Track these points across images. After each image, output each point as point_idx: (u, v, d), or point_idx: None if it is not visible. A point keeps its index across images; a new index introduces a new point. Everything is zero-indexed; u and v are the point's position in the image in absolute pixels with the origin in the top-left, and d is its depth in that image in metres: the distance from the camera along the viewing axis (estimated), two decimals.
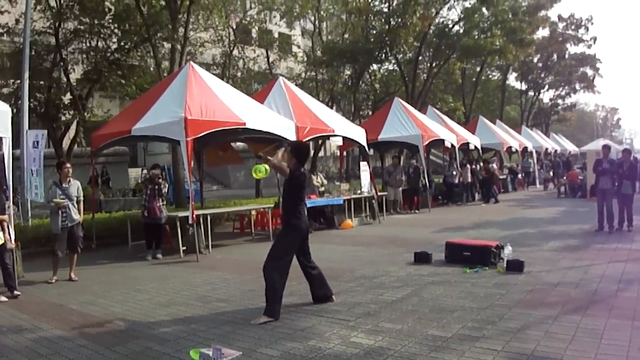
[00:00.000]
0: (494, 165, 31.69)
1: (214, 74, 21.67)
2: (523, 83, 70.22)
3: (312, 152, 35.54)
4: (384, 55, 38.72)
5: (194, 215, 15.05)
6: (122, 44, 26.87)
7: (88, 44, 27.40)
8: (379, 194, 23.88)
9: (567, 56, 68.52)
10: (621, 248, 14.62)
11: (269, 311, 8.73)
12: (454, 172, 30.61)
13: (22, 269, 13.02)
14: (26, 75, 18.49)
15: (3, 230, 11.27)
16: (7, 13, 24.93)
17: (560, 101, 78.72)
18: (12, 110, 12.87)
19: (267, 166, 8.86)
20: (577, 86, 74.95)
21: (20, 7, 23.27)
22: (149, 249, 15.89)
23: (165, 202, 16.22)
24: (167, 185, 16.50)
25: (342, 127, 21.33)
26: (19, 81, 20.98)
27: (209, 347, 6.82)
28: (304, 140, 19.16)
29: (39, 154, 17.36)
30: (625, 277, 11.04)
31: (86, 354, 7.46)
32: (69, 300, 10.72)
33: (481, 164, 33.54)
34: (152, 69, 30.28)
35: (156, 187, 15.85)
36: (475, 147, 35.64)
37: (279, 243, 9.17)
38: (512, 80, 70.37)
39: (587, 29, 63.43)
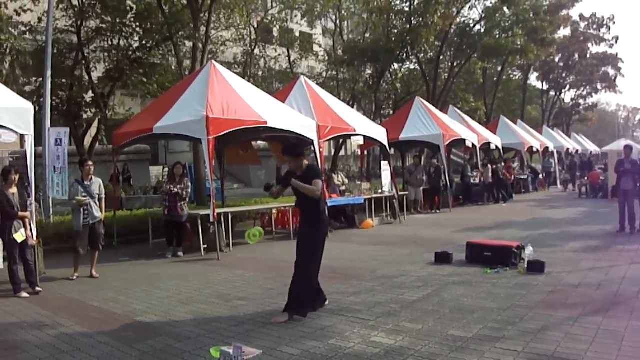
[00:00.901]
0: (500, 166, 31.46)
1: (235, 73, 21.67)
2: (544, 83, 69.99)
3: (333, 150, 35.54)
4: (405, 54, 38.65)
5: (215, 214, 15.06)
6: (144, 42, 26.97)
7: (110, 43, 27.52)
8: (400, 193, 23.84)
9: (588, 56, 68.31)
10: None
11: (302, 312, 8.70)
12: (473, 172, 30.56)
13: (43, 266, 13.08)
14: (48, 73, 18.57)
15: (25, 227, 11.33)
16: (30, 12, 25.04)
17: (581, 101, 78.54)
18: (35, 108, 12.91)
19: (260, 230, 8.81)
20: (599, 86, 74.67)
21: (42, 6, 23.41)
22: (169, 246, 15.89)
23: (187, 200, 16.19)
24: (189, 185, 16.47)
25: (363, 126, 21.31)
26: (41, 79, 21.10)
27: (229, 345, 6.81)
28: (325, 139, 19.20)
29: (63, 152, 17.46)
30: None
31: (107, 350, 7.48)
32: (90, 297, 10.77)
33: (502, 163, 33.40)
34: (173, 67, 30.38)
35: (178, 187, 15.86)
36: (497, 147, 35.53)
37: (308, 242, 9.00)
38: (534, 79, 70.33)
39: (609, 28, 63.22)
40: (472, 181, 31.10)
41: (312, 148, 18.88)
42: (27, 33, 25.66)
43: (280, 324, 8.42)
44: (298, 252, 8.94)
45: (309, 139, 18.39)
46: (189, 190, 16.16)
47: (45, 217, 17.73)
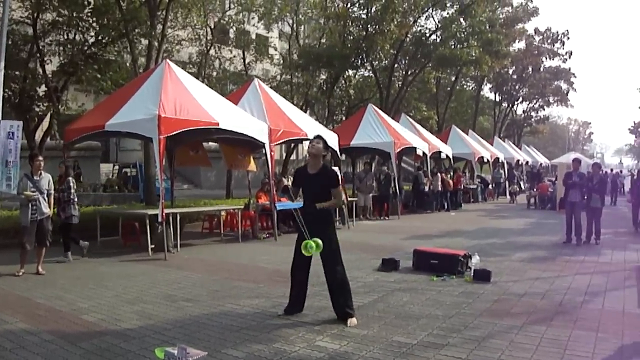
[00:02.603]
0: (421, 173, 31.68)
1: (189, 73, 21.65)
2: (497, 94, 70.60)
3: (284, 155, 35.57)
4: (360, 61, 38.73)
5: (164, 214, 15.05)
6: (100, 38, 26.72)
7: (65, 37, 27.20)
8: (349, 199, 23.96)
9: (542, 69, 68.98)
10: (588, 260, 14.81)
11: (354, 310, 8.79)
12: (424, 180, 30.82)
13: None
14: (2, 64, 18.35)
15: None
16: None
17: (533, 113, 79.27)
18: None
19: (319, 241, 8.69)
20: (551, 99, 75.45)
21: None
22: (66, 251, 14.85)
23: (70, 202, 14.82)
24: (70, 186, 15.44)
25: (315, 132, 21.30)
26: None
27: (174, 346, 6.83)
28: (276, 142, 19.25)
29: (15, 145, 17.25)
30: (590, 289, 11.21)
31: (51, 348, 7.45)
32: (35, 294, 10.70)
33: (452, 173, 33.71)
34: (128, 64, 30.19)
35: (59, 189, 14.77)
36: (447, 156, 35.83)
37: (334, 242, 8.92)
38: (487, 91, 70.79)
39: (563, 43, 63.77)
40: (425, 189, 31.28)
41: (264, 151, 18.95)
42: None
43: (225, 326, 8.44)
44: (329, 253, 8.81)
45: (260, 141, 18.47)
46: (71, 191, 15.31)
47: None
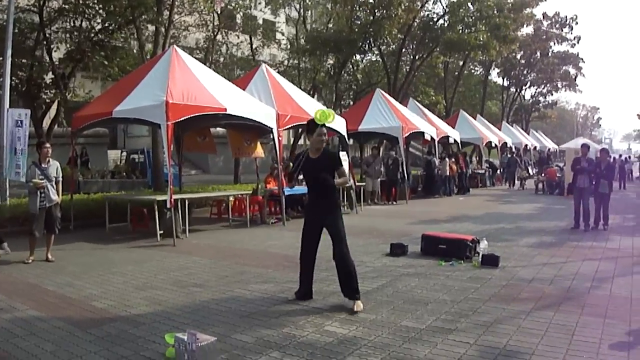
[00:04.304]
0: (434, 159, 31.50)
1: (196, 59, 21.62)
2: (505, 79, 70.60)
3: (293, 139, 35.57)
4: (367, 46, 38.75)
5: (172, 200, 15.07)
6: (107, 24, 26.72)
7: (72, 24, 27.19)
8: (357, 184, 23.95)
9: (550, 54, 68.90)
10: (596, 246, 14.76)
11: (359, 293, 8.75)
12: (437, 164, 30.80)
13: None
14: (9, 52, 18.37)
15: None
16: None
17: (541, 98, 79.21)
18: None
19: (332, 111, 8.68)
20: (559, 84, 75.40)
21: None
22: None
23: None
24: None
25: None
26: (1, 59, 20.88)
27: (183, 331, 6.81)
28: (284, 127, 19.23)
29: (24, 133, 17.34)
30: (598, 275, 11.17)
31: (61, 335, 7.47)
32: (45, 281, 10.74)
33: (453, 159, 33.66)
34: (135, 51, 30.20)
35: None
36: (455, 140, 35.75)
37: (339, 225, 8.85)
38: (495, 76, 70.79)
39: (571, 28, 63.69)
40: (437, 173, 31.17)
41: (272, 136, 18.94)
42: None
43: (234, 311, 8.47)
44: (336, 236, 8.78)
45: (268, 127, 18.46)
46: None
47: (1, 199, 17.60)
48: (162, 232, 15.57)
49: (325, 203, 8.88)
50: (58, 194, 13.05)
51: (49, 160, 12.94)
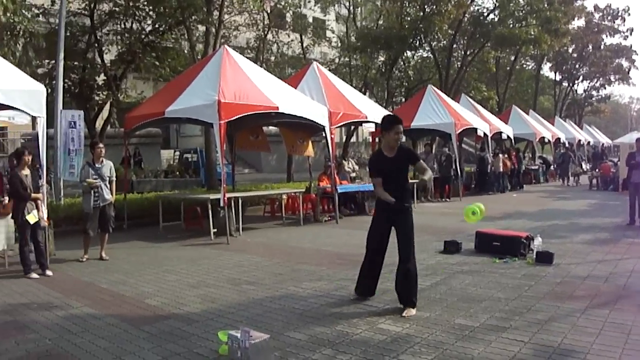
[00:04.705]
0: (487, 155, 31.14)
1: (247, 58, 21.67)
2: (557, 73, 69.86)
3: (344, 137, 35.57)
4: (418, 42, 38.55)
5: (226, 198, 15.10)
6: (157, 26, 26.90)
7: (123, 26, 27.44)
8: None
9: (602, 47, 68.05)
10: None
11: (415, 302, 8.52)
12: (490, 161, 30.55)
13: (53, 247, 13.17)
14: (61, 55, 18.58)
15: (37, 208, 11.41)
16: None
17: (594, 92, 78.33)
18: (47, 90, 12.92)
19: (481, 206, 8.53)
20: (612, 78, 74.49)
21: None
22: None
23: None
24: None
25: (375, 114, 21.21)
26: (53, 61, 21.11)
27: (237, 329, 6.80)
28: (336, 125, 19.20)
29: (78, 134, 17.54)
30: None
31: (115, 332, 7.53)
32: (99, 279, 10.84)
33: (506, 155, 33.32)
34: (186, 51, 30.39)
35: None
36: (508, 136, 35.44)
37: (410, 229, 8.64)
38: (546, 70, 70.16)
39: (623, 19, 63.00)
40: (491, 170, 30.91)
41: (324, 134, 18.93)
42: (41, 15, 25.56)
43: (287, 309, 8.44)
44: (404, 236, 8.61)
45: (320, 125, 18.47)
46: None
47: (56, 199, 17.78)
48: (215, 230, 15.62)
49: (402, 200, 8.61)
50: (112, 194, 13.16)
51: (102, 160, 13.06)
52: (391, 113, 9.31)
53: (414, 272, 8.52)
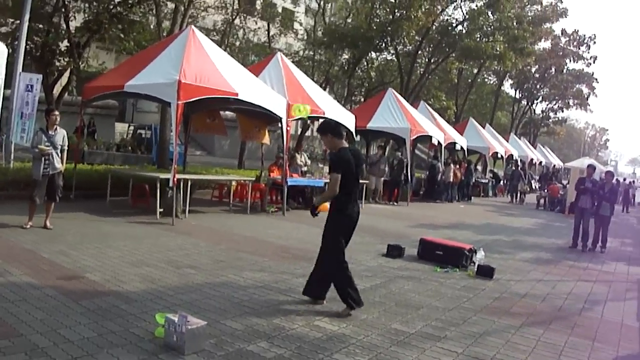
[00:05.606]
0: (439, 164, 31.44)
1: (212, 40, 21.61)
2: (518, 91, 70.45)
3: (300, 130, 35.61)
4: (384, 44, 38.70)
5: (175, 179, 15.07)
6: None
7: None
8: (360, 181, 23.92)
9: (565, 71, 68.63)
10: (592, 268, 14.79)
11: (321, 295, 8.67)
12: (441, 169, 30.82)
13: None
14: (26, 17, 18.38)
15: None
16: None
17: (551, 114, 79.12)
18: (8, 51, 12.79)
19: (307, 107, 8.53)
20: (571, 102, 75.23)
21: None
22: None
23: None
24: None
25: (333, 110, 21.26)
26: (18, 22, 20.87)
27: (175, 312, 6.82)
28: (293, 118, 19.23)
29: (33, 98, 17.36)
30: (591, 297, 11.20)
31: (53, 304, 7.49)
32: (41, 248, 10.72)
33: (457, 165, 33.59)
34: (152, 27, 30.23)
35: None
36: (462, 147, 35.73)
37: (328, 231, 8.72)
38: (507, 87, 70.63)
39: (588, 47, 63.40)
40: (441, 178, 31.17)
41: (280, 125, 18.97)
42: None
43: (227, 297, 8.47)
44: (322, 240, 8.74)
45: (277, 115, 18.46)
46: None
47: (5, 162, 17.61)
48: (162, 210, 15.58)
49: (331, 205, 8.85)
50: (62, 162, 13.04)
51: (56, 128, 12.93)
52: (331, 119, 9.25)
53: (326, 272, 8.57)
